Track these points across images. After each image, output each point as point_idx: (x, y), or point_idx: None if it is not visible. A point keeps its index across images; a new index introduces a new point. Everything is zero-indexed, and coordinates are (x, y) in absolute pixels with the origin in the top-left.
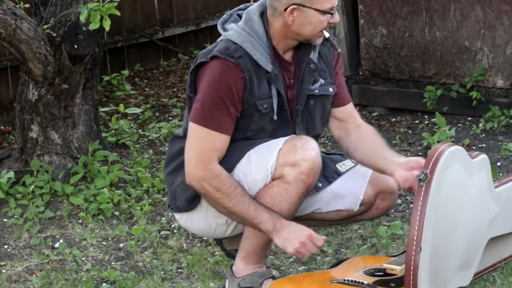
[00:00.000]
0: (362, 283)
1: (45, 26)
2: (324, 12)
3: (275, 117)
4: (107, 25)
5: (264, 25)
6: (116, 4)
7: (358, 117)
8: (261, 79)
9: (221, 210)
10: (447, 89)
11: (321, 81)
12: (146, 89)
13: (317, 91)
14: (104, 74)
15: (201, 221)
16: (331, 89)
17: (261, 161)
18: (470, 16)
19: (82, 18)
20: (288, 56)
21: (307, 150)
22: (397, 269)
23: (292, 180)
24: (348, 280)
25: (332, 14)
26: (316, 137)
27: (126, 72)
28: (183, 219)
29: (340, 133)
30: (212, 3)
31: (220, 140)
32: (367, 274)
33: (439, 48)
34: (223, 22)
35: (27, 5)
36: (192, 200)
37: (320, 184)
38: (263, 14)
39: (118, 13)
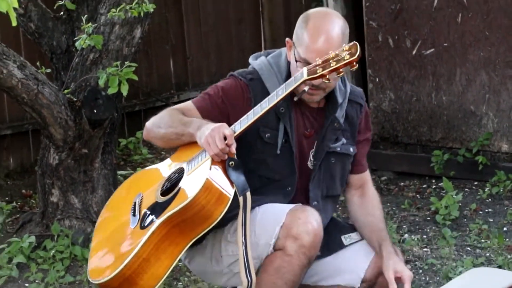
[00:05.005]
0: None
1: (66, 91)
2: (298, 59)
3: (278, 152)
4: (124, 89)
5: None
6: (133, 68)
7: (367, 186)
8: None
9: (160, 129)
10: (454, 154)
11: (343, 140)
12: (163, 152)
13: (338, 148)
14: (121, 137)
15: (200, 263)
16: (351, 149)
17: (265, 229)
18: (475, 80)
19: (101, 83)
20: (313, 104)
21: (309, 224)
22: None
23: (293, 253)
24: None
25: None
26: (334, 198)
27: (140, 134)
28: (183, 257)
29: (347, 196)
30: (226, 66)
31: (194, 116)
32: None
33: (446, 113)
34: (256, 56)
35: (48, 70)
36: None
37: (319, 253)
38: None
39: (135, 77)
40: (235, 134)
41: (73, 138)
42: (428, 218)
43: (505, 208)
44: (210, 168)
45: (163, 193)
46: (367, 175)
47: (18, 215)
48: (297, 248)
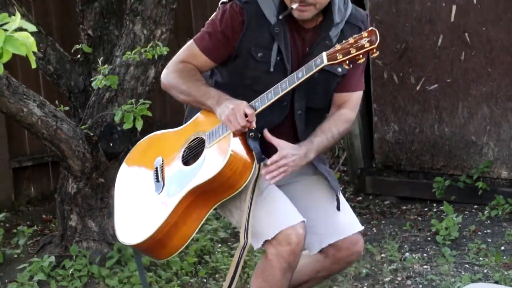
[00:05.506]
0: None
1: (83, 127)
2: None
3: (271, 69)
4: (139, 125)
5: None
6: (148, 106)
7: (345, 106)
8: (262, 29)
9: (179, 94)
10: (455, 180)
11: None
12: None
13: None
14: None
15: None
16: (339, 70)
17: (258, 220)
18: (477, 113)
19: (117, 119)
20: (307, 24)
21: (293, 235)
22: None
23: (273, 258)
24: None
25: None
26: (317, 112)
27: None
28: None
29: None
30: None
31: (200, 58)
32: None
33: (448, 143)
34: None
35: (66, 108)
36: None
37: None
38: None
39: (149, 114)
40: (256, 112)
41: (90, 169)
42: (429, 239)
43: (503, 229)
44: (233, 141)
45: (185, 162)
46: (351, 95)
47: (38, 238)
48: (276, 253)
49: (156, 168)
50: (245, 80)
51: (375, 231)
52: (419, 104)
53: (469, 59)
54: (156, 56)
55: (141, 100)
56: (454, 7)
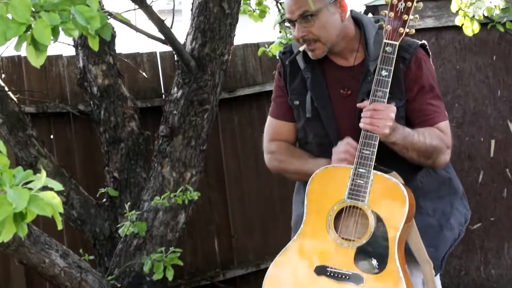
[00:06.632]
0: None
1: (109, 277)
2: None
3: (309, 115)
4: (170, 275)
5: None
6: (178, 254)
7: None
8: (297, 76)
9: (291, 175)
10: None
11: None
12: None
13: None
14: None
15: None
16: (393, 104)
17: None
18: None
19: (146, 269)
20: (344, 62)
21: None
22: None
23: None
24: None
25: (287, 22)
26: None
27: None
28: None
29: None
30: (271, 242)
31: (278, 125)
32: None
33: (495, 286)
34: None
35: (91, 257)
36: None
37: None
38: None
39: (181, 263)
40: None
41: None
42: None
43: None
44: (380, 172)
45: (352, 241)
46: (437, 128)
47: None
48: None
49: (329, 274)
50: (300, 133)
51: None
52: (463, 244)
53: (511, 196)
54: (186, 201)
55: (171, 248)
56: (493, 142)
